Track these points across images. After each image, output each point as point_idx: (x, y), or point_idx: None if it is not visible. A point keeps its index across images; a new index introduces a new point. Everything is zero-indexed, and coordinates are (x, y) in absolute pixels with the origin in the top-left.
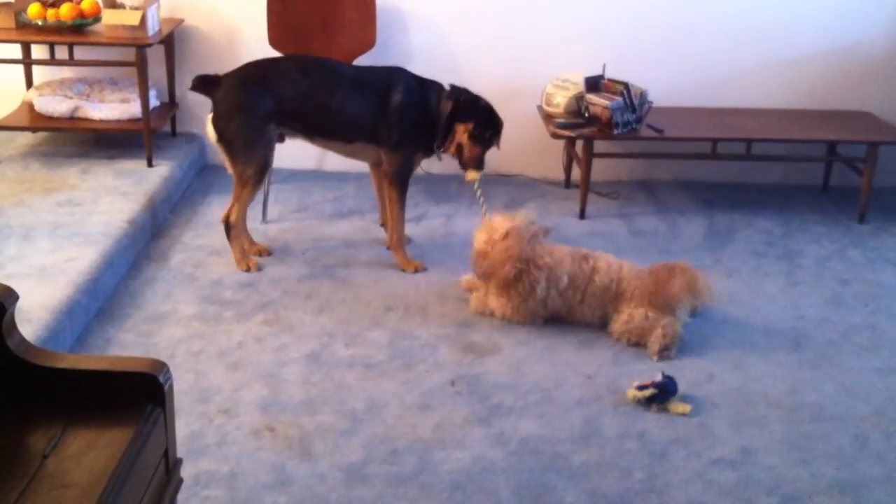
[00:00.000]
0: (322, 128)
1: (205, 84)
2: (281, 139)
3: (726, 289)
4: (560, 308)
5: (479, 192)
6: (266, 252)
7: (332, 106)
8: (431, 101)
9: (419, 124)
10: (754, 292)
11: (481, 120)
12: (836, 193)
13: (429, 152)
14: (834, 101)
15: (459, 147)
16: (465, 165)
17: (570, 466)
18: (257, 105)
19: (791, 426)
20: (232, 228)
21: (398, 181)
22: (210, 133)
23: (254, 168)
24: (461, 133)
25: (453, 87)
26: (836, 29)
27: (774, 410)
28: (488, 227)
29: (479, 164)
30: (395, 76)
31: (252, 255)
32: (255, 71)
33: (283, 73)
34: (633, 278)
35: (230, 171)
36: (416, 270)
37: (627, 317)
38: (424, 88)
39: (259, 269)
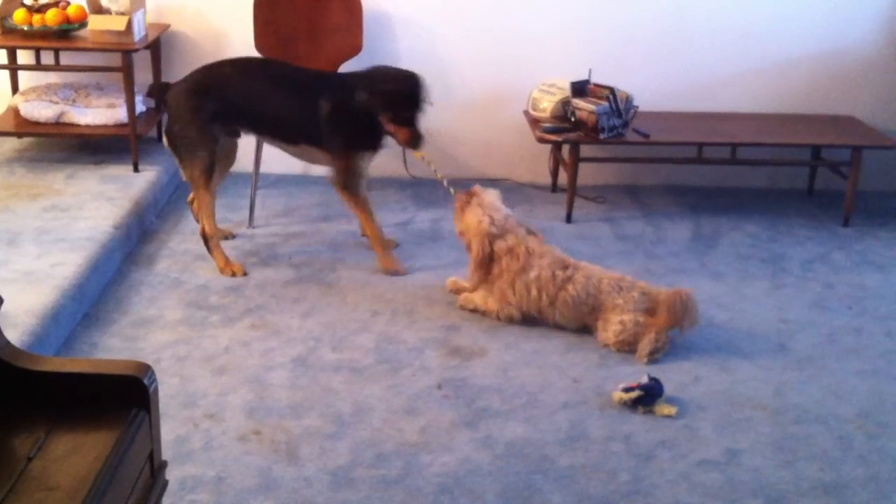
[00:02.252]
0: (265, 129)
1: (158, 91)
2: (236, 134)
3: (712, 292)
4: (529, 304)
5: (432, 166)
6: (231, 235)
7: (270, 108)
8: (358, 101)
9: (355, 126)
10: (740, 295)
11: (396, 105)
12: (821, 197)
13: (370, 150)
14: (819, 106)
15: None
16: (403, 146)
17: (556, 469)
18: (200, 108)
19: (776, 428)
20: (209, 239)
21: (349, 187)
22: (164, 139)
23: (199, 168)
24: (387, 126)
25: (367, 77)
26: (822, 34)
27: (759, 412)
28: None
29: (416, 142)
30: (327, 80)
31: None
32: (200, 75)
33: (226, 76)
34: (622, 292)
35: (183, 176)
36: (401, 271)
37: (620, 325)
38: (351, 88)
39: (245, 273)
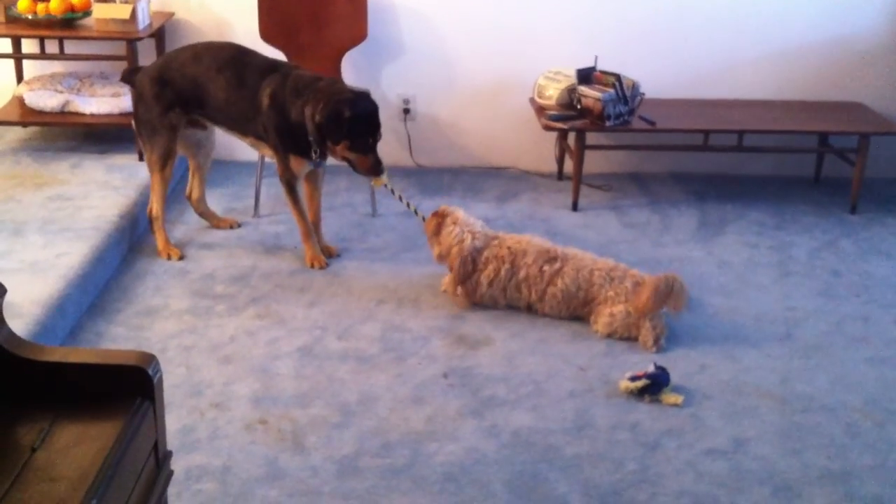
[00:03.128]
0: (219, 118)
1: (130, 75)
2: (198, 123)
3: (718, 280)
4: (517, 300)
5: (396, 193)
6: (235, 224)
7: (218, 96)
8: (294, 109)
9: (285, 129)
10: (746, 283)
11: (353, 132)
12: (828, 185)
13: (306, 158)
14: (826, 93)
15: (349, 161)
16: (361, 174)
17: (562, 458)
18: (159, 94)
19: (783, 416)
20: (154, 220)
21: (283, 182)
22: (133, 122)
23: (157, 153)
24: (341, 152)
25: (320, 97)
26: (828, 20)
27: (766, 401)
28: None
29: (377, 169)
30: (271, 77)
31: (223, 227)
32: (163, 60)
33: (182, 63)
34: (613, 283)
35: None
36: (317, 266)
37: (609, 317)
38: (292, 92)
39: (182, 258)
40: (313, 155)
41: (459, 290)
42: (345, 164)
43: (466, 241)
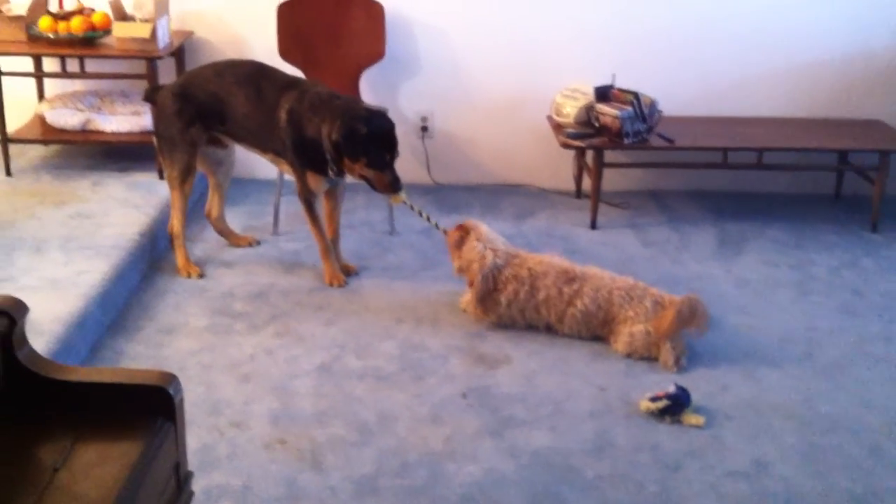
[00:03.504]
0: (239, 134)
1: (151, 94)
2: (218, 142)
3: (738, 299)
4: (536, 321)
5: (416, 209)
6: (254, 242)
7: (239, 112)
8: (311, 126)
9: (302, 146)
10: (767, 302)
11: (371, 149)
12: (848, 202)
13: (323, 175)
14: (845, 110)
15: (368, 179)
16: (379, 192)
17: (582, 479)
18: (181, 110)
19: (805, 437)
20: (174, 238)
21: (302, 199)
22: (154, 138)
23: (178, 169)
24: (360, 170)
25: (337, 114)
26: (847, 37)
27: (788, 422)
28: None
29: (395, 186)
30: (289, 93)
31: (242, 245)
32: (185, 77)
33: (205, 79)
34: (633, 302)
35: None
36: (336, 284)
37: (629, 336)
38: (310, 109)
39: (201, 275)
40: (330, 172)
41: (478, 306)
42: (363, 181)
43: (488, 258)
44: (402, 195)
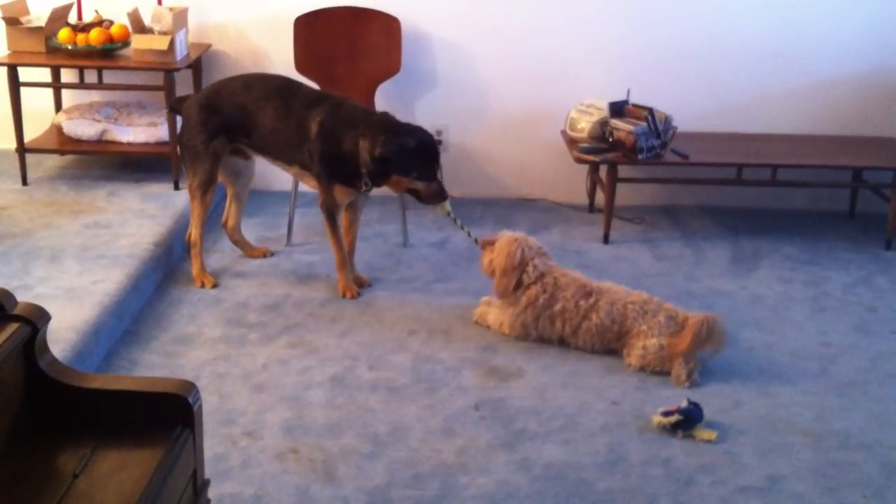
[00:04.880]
0: (264, 147)
1: (177, 104)
2: (241, 153)
3: (752, 315)
4: (549, 332)
5: (457, 221)
6: (269, 253)
7: (266, 125)
8: (346, 140)
9: (333, 159)
10: (781, 318)
11: (418, 163)
12: (863, 220)
13: (352, 188)
14: (860, 127)
15: (415, 191)
16: (426, 202)
17: (594, 493)
18: (206, 120)
19: (818, 454)
20: (192, 246)
21: (325, 211)
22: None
23: (199, 180)
24: (407, 183)
25: (374, 129)
26: (862, 54)
27: (801, 438)
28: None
29: (441, 195)
30: (320, 107)
31: (256, 257)
32: (213, 88)
33: (231, 92)
34: (647, 316)
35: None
36: (349, 296)
37: (642, 350)
38: (343, 123)
39: (216, 286)
40: (363, 186)
41: (501, 280)
42: (390, 193)
43: (521, 242)
44: (447, 205)
